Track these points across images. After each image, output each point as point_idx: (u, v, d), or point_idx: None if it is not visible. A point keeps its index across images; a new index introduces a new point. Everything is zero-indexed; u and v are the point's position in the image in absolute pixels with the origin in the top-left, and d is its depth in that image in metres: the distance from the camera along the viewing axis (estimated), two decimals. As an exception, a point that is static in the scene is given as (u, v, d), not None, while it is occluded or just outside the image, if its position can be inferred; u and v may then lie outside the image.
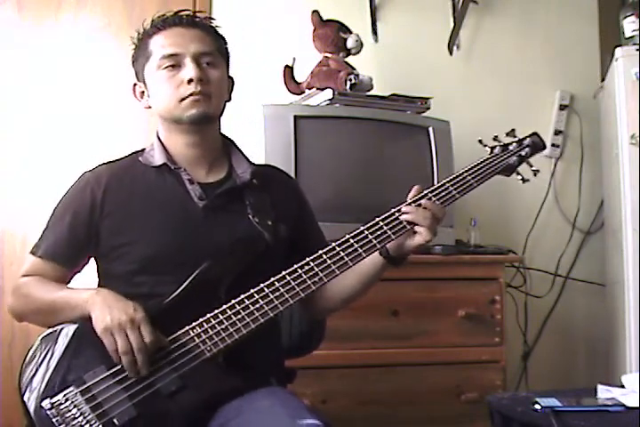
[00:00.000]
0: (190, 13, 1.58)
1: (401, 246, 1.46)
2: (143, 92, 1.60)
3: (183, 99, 1.50)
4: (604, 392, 1.65)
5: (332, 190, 2.29)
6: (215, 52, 1.56)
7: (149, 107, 1.59)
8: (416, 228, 1.42)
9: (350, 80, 2.45)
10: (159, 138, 1.59)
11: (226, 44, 1.61)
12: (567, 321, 2.99)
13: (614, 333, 2.77)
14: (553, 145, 2.99)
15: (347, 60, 2.59)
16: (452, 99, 2.86)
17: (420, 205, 1.44)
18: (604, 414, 1.53)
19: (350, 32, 2.59)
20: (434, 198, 1.45)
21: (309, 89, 2.54)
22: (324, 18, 2.62)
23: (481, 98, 2.99)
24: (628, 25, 2.79)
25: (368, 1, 2.91)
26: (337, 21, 2.60)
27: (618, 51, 2.65)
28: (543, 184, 2.93)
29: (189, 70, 1.50)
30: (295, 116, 2.31)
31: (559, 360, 2.97)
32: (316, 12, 2.62)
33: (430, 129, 2.46)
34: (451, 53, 2.99)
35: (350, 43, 2.57)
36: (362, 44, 2.59)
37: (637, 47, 2.61)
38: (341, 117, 2.40)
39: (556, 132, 3.04)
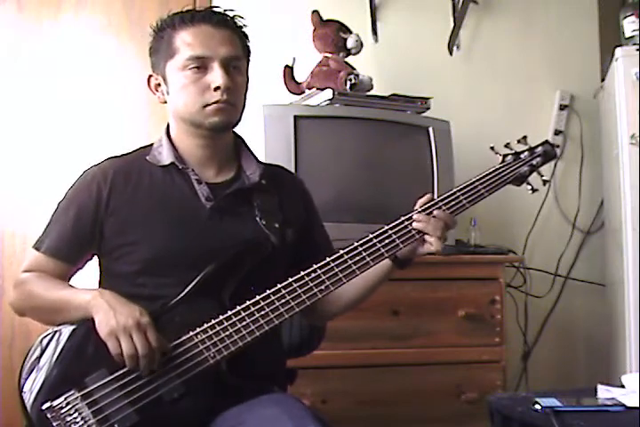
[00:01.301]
0: (221, 11, 1.52)
1: (410, 252, 1.45)
2: (159, 84, 1.54)
3: (207, 105, 1.46)
4: (604, 392, 1.64)
5: (331, 190, 2.29)
6: (241, 55, 1.52)
7: (165, 102, 1.54)
8: (426, 237, 1.41)
9: (350, 80, 2.45)
10: (169, 135, 1.56)
11: (249, 42, 1.56)
12: (567, 321, 2.99)
13: (614, 333, 2.76)
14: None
15: (347, 60, 2.59)
16: (452, 99, 2.86)
17: (430, 214, 1.42)
18: (604, 414, 1.52)
19: (350, 32, 2.59)
20: (444, 207, 1.43)
21: (309, 89, 2.54)
22: (324, 18, 2.62)
23: (481, 98, 2.99)
24: (628, 25, 2.78)
25: (368, 1, 2.91)
26: (337, 21, 2.61)
27: (618, 51, 2.65)
28: (543, 184, 2.93)
29: (217, 77, 1.45)
30: (295, 116, 2.30)
31: (559, 360, 2.97)
32: (316, 12, 2.62)
33: (430, 129, 2.46)
34: (451, 53, 2.99)
35: (350, 43, 2.57)
36: (362, 44, 2.59)
37: (637, 47, 2.61)
38: (341, 117, 2.40)
39: (556, 133, 3.04)
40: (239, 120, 1.53)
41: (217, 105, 1.46)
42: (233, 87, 1.47)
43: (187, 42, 1.47)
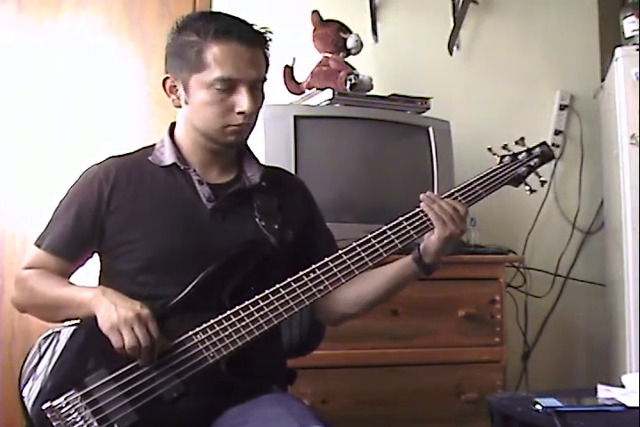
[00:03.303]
0: (256, 29, 1.50)
1: (426, 248, 1.46)
2: (175, 86, 1.50)
3: (227, 126, 1.46)
4: (604, 392, 1.64)
5: (331, 190, 2.29)
6: (264, 75, 1.51)
7: (179, 106, 1.52)
8: (432, 220, 1.43)
9: (350, 80, 2.45)
10: (172, 136, 1.55)
11: (270, 60, 1.55)
12: (567, 321, 2.99)
13: (614, 333, 2.76)
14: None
15: (347, 60, 2.59)
16: (452, 99, 2.86)
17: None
18: (604, 414, 1.52)
19: (350, 32, 2.59)
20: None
21: (309, 89, 2.54)
22: (324, 18, 2.62)
23: (481, 98, 2.99)
24: (628, 25, 2.78)
25: (368, 1, 2.91)
26: (337, 21, 2.61)
27: (618, 51, 2.65)
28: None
29: (244, 102, 1.43)
30: (295, 116, 2.30)
31: (559, 360, 2.97)
32: (316, 12, 2.62)
33: (430, 129, 2.46)
34: (451, 53, 2.99)
35: (350, 43, 2.57)
36: (362, 44, 2.59)
37: (637, 47, 2.61)
38: (341, 117, 2.40)
39: (556, 133, 3.04)
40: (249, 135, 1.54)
41: (237, 127, 1.47)
42: (255, 111, 1.47)
43: (218, 60, 1.43)
